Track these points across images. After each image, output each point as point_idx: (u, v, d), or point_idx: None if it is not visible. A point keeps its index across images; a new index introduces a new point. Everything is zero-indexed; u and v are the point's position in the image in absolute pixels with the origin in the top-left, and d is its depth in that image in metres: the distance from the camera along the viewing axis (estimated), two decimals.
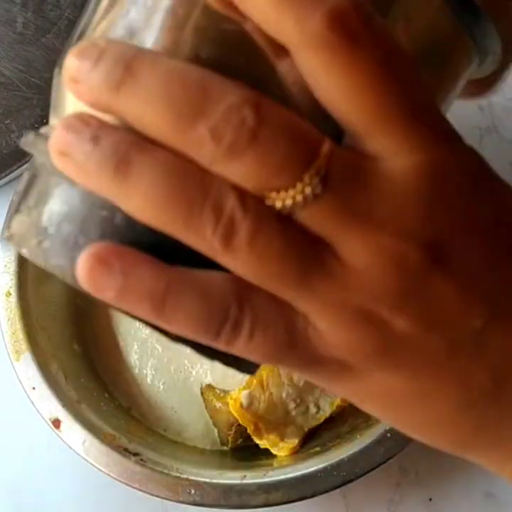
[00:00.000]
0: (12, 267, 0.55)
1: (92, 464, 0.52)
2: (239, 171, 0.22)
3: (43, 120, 0.62)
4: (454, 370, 0.25)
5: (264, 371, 0.55)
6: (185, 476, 0.52)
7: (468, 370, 0.25)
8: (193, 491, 0.52)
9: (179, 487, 0.52)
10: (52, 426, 0.53)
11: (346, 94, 0.22)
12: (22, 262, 0.56)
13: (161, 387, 0.60)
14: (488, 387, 0.25)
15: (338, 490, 0.51)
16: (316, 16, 0.21)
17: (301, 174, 0.22)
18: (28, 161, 0.58)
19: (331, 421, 0.57)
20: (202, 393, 0.58)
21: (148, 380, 0.60)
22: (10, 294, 0.55)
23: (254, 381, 0.56)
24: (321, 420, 0.57)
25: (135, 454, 0.53)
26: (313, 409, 0.56)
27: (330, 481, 0.51)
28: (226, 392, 0.57)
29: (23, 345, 0.54)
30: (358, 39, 0.21)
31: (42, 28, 0.64)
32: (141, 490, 0.52)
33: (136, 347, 0.60)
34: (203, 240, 0.22)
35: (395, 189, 0.22)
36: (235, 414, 0.55)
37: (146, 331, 0.60)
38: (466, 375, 0.25)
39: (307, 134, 0.22)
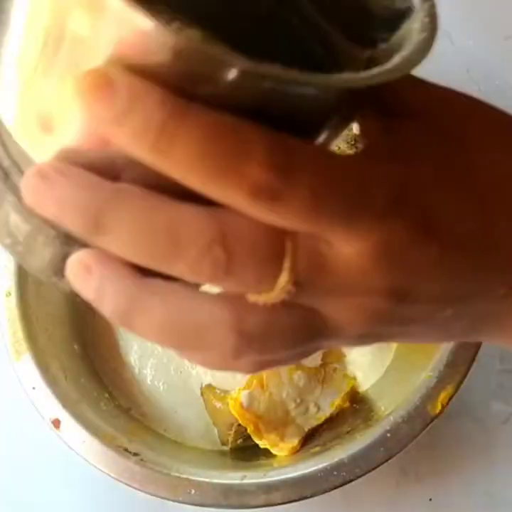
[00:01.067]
0: (12, 267, 0.55)
1: (92, 464, 0.52)
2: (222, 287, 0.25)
3: None
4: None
5: (264, 372, 0.55)
6: (185, 476, 0.52)
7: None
8: (193, 491, 0.52)
9: (179, 487, 0.52)
10: (52, 426, 0.53)
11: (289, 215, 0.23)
12: None
13: (161, 387, 0.60)
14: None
15: (338, 490, 0.51)
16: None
17: (275, 281, 0.24)
18: None
19: (331, 421, 0.57)
20: (202, 393, 0.58)
21: (148, 380, 0.60)
22: (10, 294, 0.55)
23: (254, 381, 0.56)
24: (321, 420, 0.57)
25: (135, 454, 0.53)
26: (313, 410, 0.56)
27: (330, 481, 0.51)
28: (226, 392, 0.57)
29: (23, 345, 0.54)
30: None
31: None
32: (141, 490, 0.52)
33: (135, 347, 0.60)
34: None
35: (355, 271, 0.25)
36: (235, 414, 0.55)
37: None
38: None
39: (270, 247, 0.24)
